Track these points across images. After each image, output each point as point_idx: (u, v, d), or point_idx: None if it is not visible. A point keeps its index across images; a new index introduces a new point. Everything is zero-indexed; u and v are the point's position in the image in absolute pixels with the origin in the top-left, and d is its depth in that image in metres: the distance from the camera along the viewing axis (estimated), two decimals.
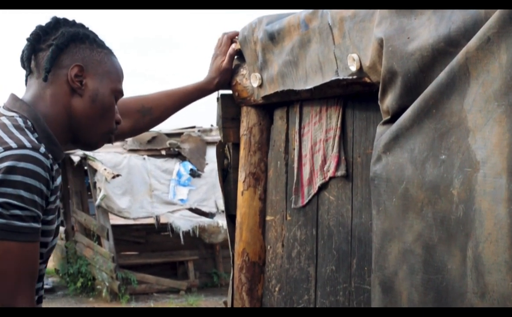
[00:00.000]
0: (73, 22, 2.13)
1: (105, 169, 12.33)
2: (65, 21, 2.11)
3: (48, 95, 2.02)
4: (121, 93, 2.15)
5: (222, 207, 12.88)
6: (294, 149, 2.85)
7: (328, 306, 2.70)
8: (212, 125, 15.12)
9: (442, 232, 1.91)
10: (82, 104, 2.03)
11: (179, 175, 13.18)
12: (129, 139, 13.58)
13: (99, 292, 13.19)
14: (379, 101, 2.16)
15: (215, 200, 13.26)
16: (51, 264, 16.05)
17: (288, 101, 2.83)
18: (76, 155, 13.07)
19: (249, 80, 2.88)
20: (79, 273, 13.70)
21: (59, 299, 13.09)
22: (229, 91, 3.06)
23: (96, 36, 2.14)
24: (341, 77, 2.35)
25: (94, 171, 12.80)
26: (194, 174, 13.23)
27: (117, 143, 13.72)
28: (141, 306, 12.18)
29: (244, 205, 3.04)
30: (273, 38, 2.67)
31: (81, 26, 2.13)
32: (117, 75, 2.13)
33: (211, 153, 13.44)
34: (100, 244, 13.32)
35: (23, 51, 2.08)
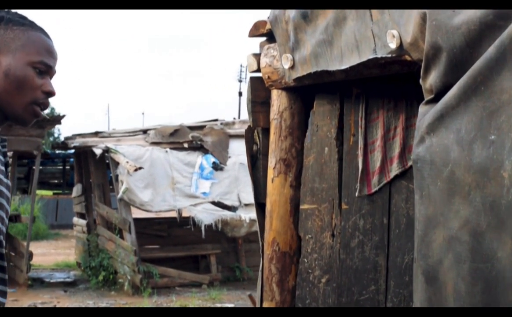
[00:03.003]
0: None
1: (127, 162, 12.31)
2: None
3: None
4: (43, 64, 2.19)
5: (244, 200, 12.90)
6: (353, 135, 2.75)
7: (407, 295, 2.62)
8: (234, 119, 15.05)
9: (492, 217, 1.79)
10: None
11: (201, 168, 13.13)
12: (152, 132, 13.56)
13: (121, 285, 13.18)
14: (420, 80, 2.04)
15: (237, 193, 13.20)
16: (73, 257, 16.10)
17: (341, 83, 2.74)
18: (98, 149, 13.07)
19: (280, 61, 2.76)
20: (101, 266, 13.71)
21: (80, 292, 13.09)
22: (259, 74, 2.96)
23: (14, 15, 2.22)
24: (379, 56, 2.24)
25: (116, 164, 12.78)
26: (216, 167, 13.18)
27: (139, 136, 13.69)
28: (163, 299, 12.15)
29: (275, 193, 2.93)
30: (306, 16, 2.56)
31: None
32: (34, 48, 2.19)
33: (234, 146, 13.37)
34: (122, 237, 13.32)
35: None
